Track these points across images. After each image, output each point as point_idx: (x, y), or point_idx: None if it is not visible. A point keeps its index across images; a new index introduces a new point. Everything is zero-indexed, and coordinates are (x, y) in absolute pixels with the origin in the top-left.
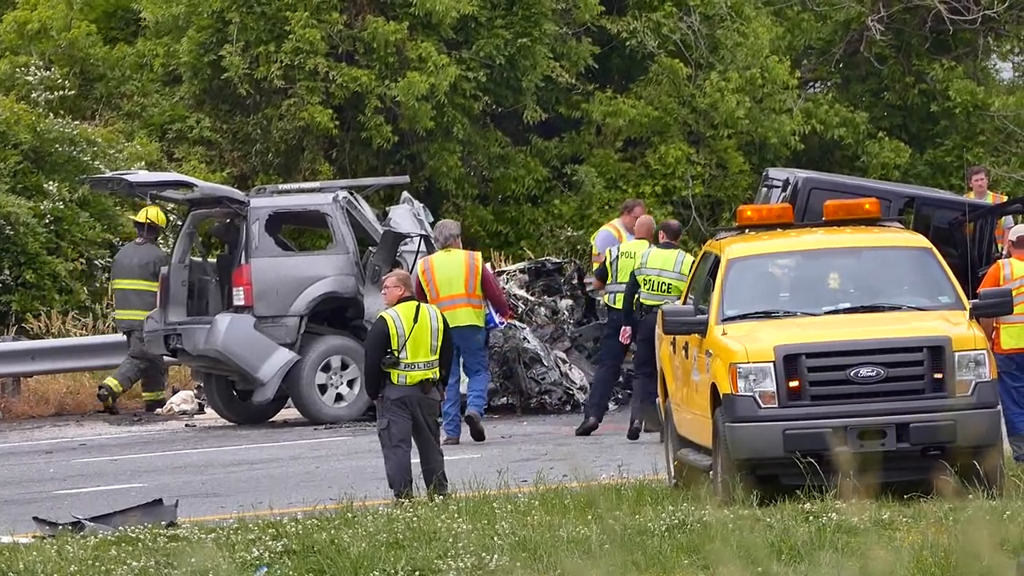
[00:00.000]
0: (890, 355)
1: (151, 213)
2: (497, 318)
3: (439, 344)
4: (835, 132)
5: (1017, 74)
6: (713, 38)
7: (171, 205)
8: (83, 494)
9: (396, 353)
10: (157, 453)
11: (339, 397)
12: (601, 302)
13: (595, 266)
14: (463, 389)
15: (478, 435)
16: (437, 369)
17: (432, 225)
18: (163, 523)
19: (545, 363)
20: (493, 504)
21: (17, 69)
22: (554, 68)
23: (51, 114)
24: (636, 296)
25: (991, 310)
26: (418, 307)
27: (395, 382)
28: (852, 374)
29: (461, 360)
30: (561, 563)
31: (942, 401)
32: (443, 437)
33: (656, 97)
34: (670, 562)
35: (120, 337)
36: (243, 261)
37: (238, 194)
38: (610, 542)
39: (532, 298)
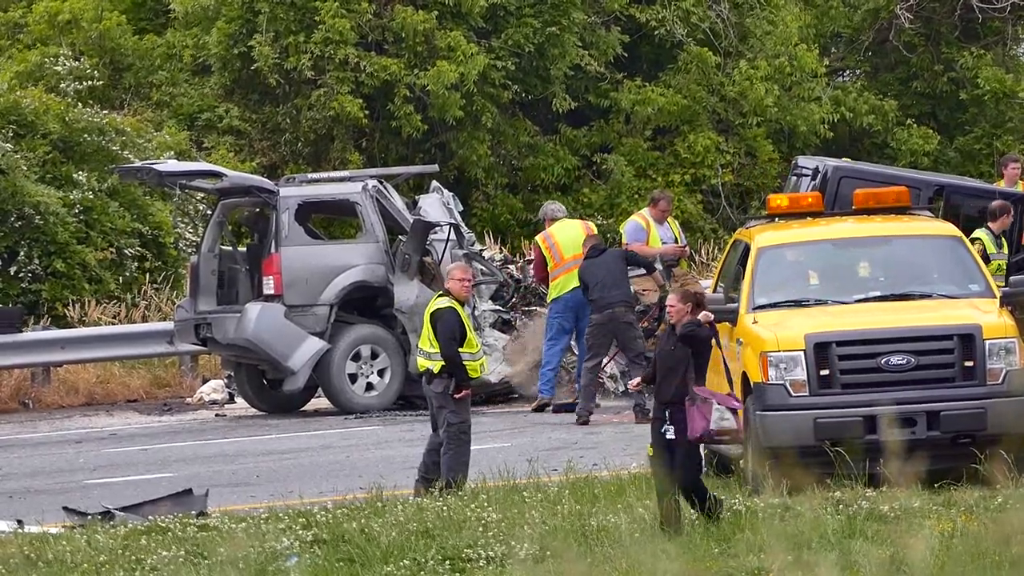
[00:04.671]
0: (920, 343)
1: None
2: None
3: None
4: (864, 120)
5: None
6: (742, 26)
7: (200, 195)
8: (113, 484)
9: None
10: (187, 443)
11: (369, 386)
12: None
13: None
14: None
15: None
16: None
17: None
18: (193, 513)
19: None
20: (523, 493)
21: (46, 59)
22: (583, 57)
23: (80, 104)
24: None
25: (1022, 298)
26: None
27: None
28: (883, 362)
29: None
30: (591, 552)
31: (973, 389)
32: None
33: (685, 86)
34: (700, 551)
35: (151, 326)
36: (273, 250)
37: (267, 183)
38: (640, 531)
39: None
